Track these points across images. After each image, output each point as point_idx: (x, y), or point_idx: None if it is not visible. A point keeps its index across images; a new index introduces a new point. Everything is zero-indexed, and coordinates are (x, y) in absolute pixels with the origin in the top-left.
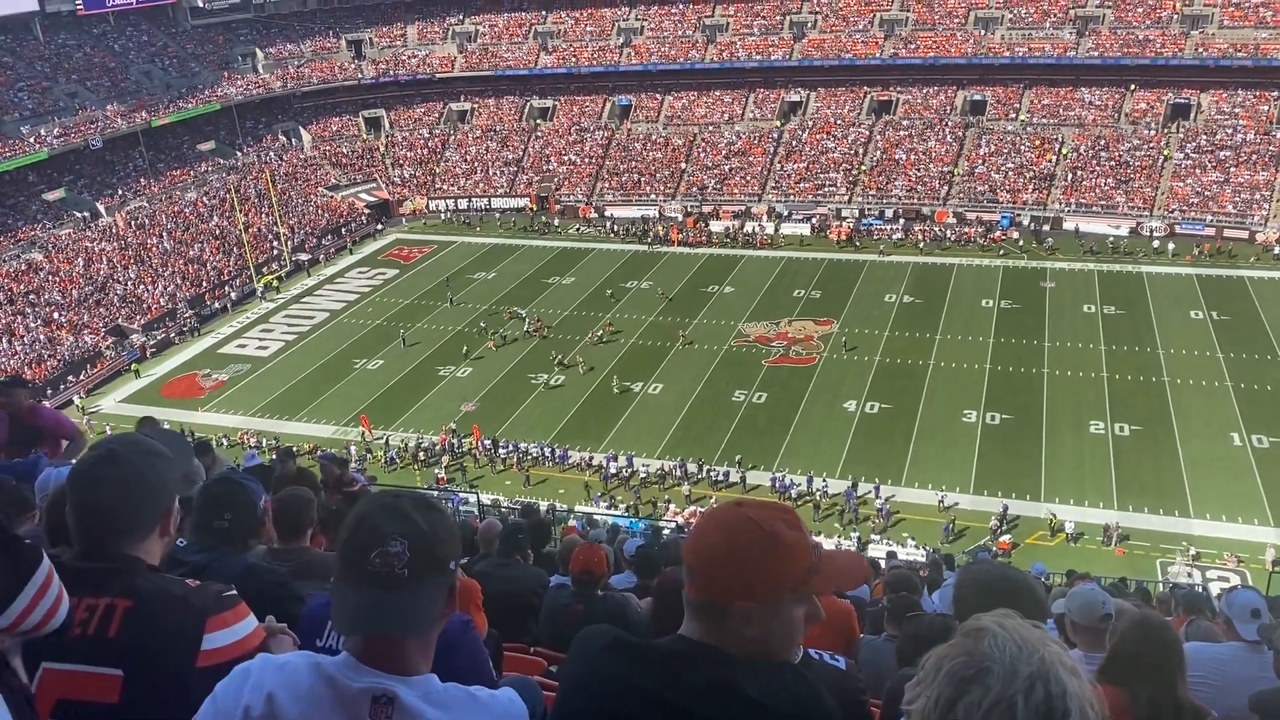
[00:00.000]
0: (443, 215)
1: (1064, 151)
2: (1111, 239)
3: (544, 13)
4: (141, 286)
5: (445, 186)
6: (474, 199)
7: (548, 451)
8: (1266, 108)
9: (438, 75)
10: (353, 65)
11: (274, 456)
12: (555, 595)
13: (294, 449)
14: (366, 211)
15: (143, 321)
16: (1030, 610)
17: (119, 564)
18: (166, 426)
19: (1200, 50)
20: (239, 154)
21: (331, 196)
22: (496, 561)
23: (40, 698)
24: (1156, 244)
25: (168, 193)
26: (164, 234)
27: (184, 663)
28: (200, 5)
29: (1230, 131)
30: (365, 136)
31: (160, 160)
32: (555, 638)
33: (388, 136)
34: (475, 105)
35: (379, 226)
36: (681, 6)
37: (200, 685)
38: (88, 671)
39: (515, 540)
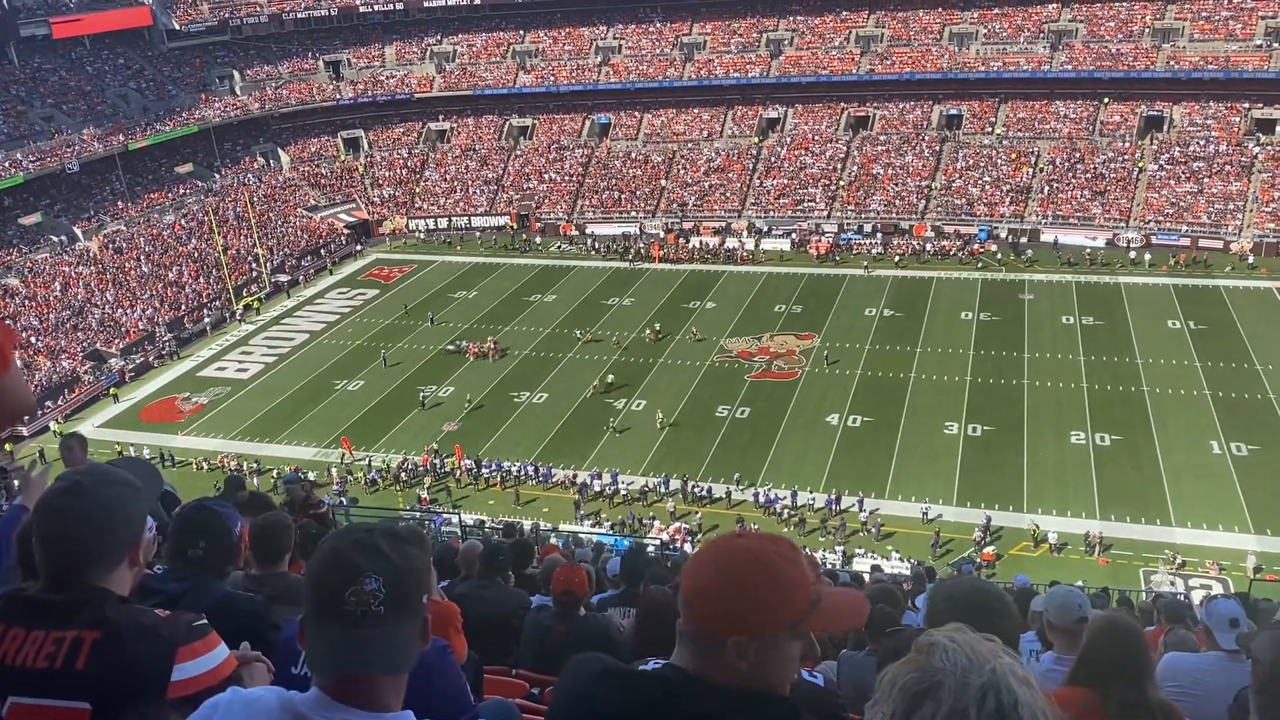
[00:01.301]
0: (422, 235)
1: (1040, 164)
2: (1089, 250)
3: (522, 32)
4: (120, 310)
5: (425, 206)
6: (454, 218)
7: (530, 470)
8: (1238, 119)
9: (416, 95)
10: (331, 86)
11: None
12: (537, 616)
13: (242, 478)
14: (346, 232)
15: (121, 345)
16: (1002, 623)
17: (86, 595)
18: (146, 452)
19: (1172, 63)
20: (217, 176)
21: (310, 217)
22: (477, 583)
23: None
24: (1133, 255)
25: (145, 216)
26: (142, 257)
27: (154, 694)
28: (176, 28)
29: (1203, 143)
30: (344, 157)
31: (138, 183)
32: (537, 659)
33: (367, 157)
34: (454, 125)
35: (359, 247)
36: (659, 25)
37: (170, 717)
38: (55, 706)
39: (496, 561)
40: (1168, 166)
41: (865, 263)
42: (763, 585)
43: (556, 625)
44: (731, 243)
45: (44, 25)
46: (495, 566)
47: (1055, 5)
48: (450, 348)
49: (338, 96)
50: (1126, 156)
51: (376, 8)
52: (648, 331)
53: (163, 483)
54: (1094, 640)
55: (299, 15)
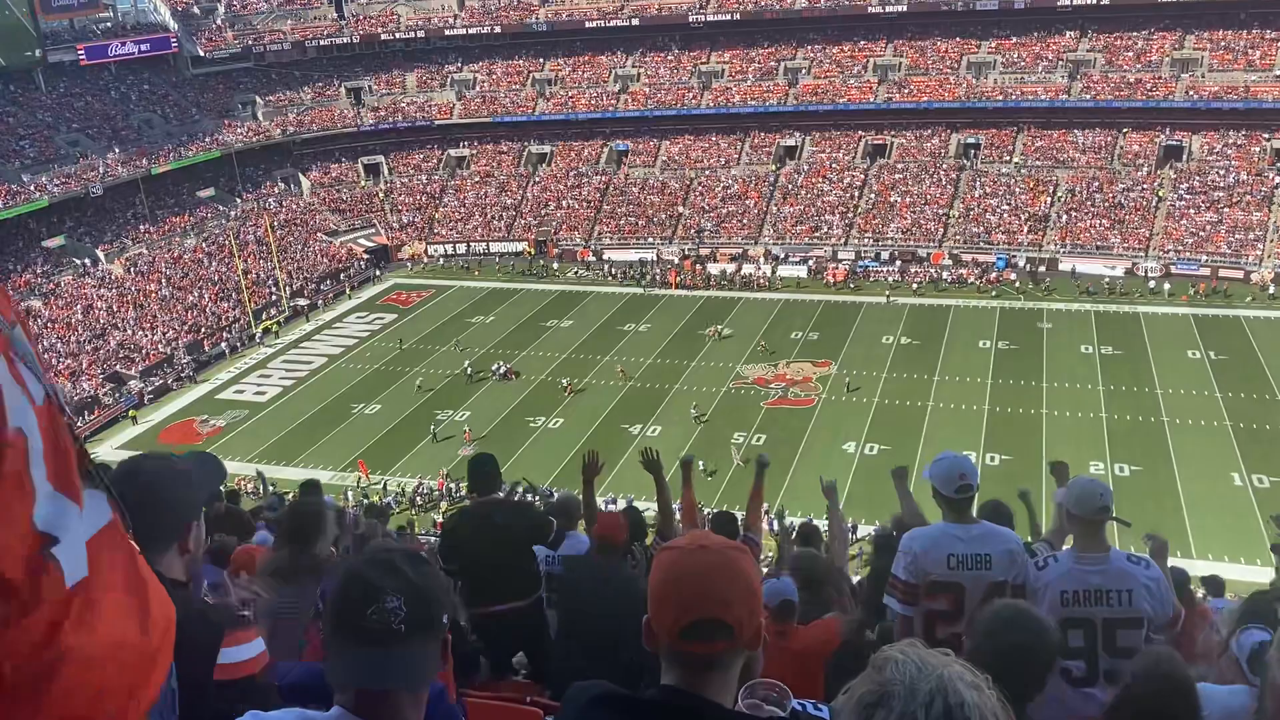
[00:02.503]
0: (441, 260)
1: (1058, 193)
2: (1107, 279)
3: (542, 60)
4: (140, 333)
5: (444, 231)
6: (472, 243)
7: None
8: (1258, 149)
9: (436, 122)
10: (352, 112)
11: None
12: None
13: (317, 481)
14: (365, 257)
15: (141, 368)
16: (1037, 639)
17: None
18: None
19: (1191, 93)
20: (238, 200)
21: (330, 242)
22: (480, 504)
23: None
24: (1152, 284)
25: (167, 239)
26: (163, 280)
27: (203, 674)
28: (201, 54)
29: (1223, 172)
30: (364, 183)
31: (160, 207)
32: (569, 613)
33: (386, 182)
34: (473, 151)
35: (378, 272)
36: (678, 54)
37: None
38: None
39: (485, 473)
40: (1187, 196)
41: (886, 291)
42: (744, 587)
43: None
44: (748, 269)
45: (71, 51)
46: (486, 481)
47: (1074, 35)
48: (473, 371)
49: (359, 123)
50: (1145, 186)
51: (399, 36)
52: (621, 369)
53: (224, 475)
54: (1141, 683)
55: (322, 43)
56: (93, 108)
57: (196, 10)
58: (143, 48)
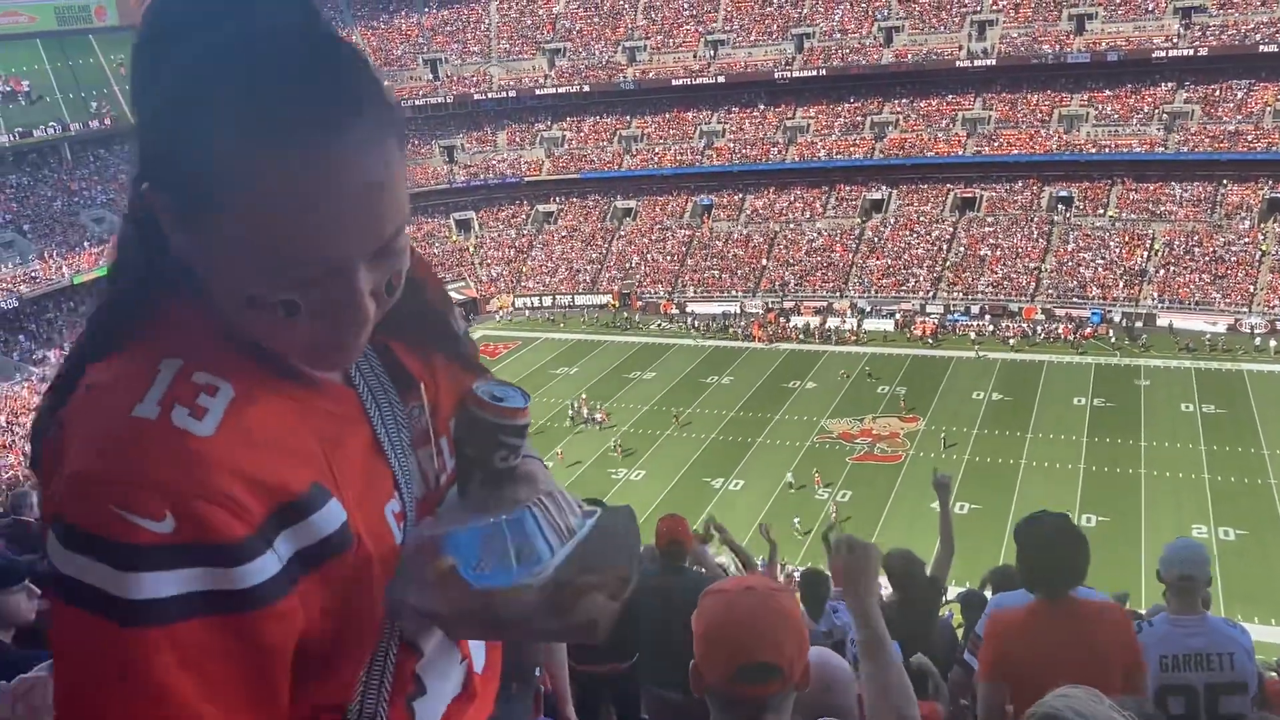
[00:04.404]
0: (527, 312)
1: (1155, 247)
2: (1208, 336)
3: (629, 118)
4: None
5: (531, 284)
6: (558, 296)
7: None
8: None
9: (526, 179)
10: (445, 169)
11: None
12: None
13: None
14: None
15: None
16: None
17: None
18: None
19: None
20: None
21: None
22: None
23: None
24: (1258, 341)
25: None
26: None
27: None
28: None
29: None
30: (455, 237)
31: None
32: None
33: (477, 237)
34: (561, 206)
35: (468, 324)
36: (763, 109)
37: None
38: None
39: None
40: None
41: (976, 345)
42: (803, 634)
43: (660, 575)
44: (833, 322)
45: None
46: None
47: (1169, 87)
48: (574, 414)
49: (451, 179)
50: (1248, 239)
51: (491, 95)
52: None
53: None
54: None
55: (417, 102)
56: None
57: None
58: None
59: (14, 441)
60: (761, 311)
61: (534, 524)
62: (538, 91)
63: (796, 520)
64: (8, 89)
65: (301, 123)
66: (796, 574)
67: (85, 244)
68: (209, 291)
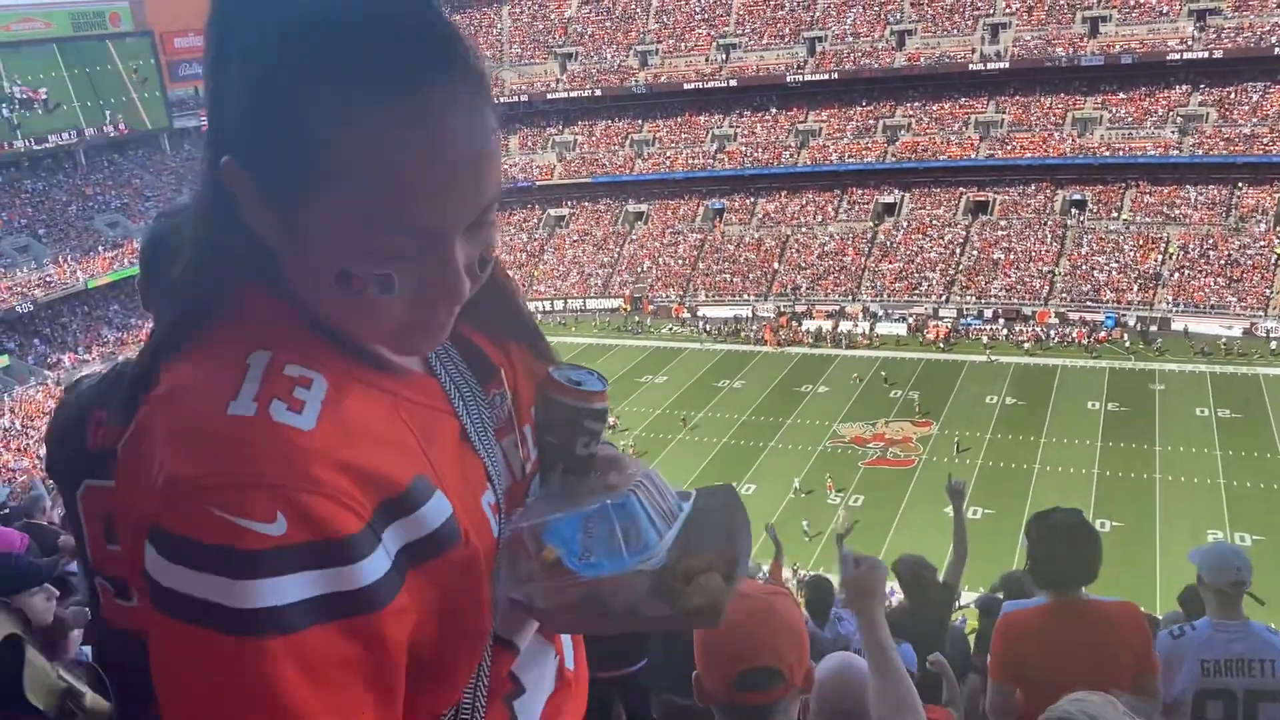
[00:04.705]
0: (539, 316)
1: (1170, 250)
2: (1224, 340)
3: (640, 122)
4: None
5: (542, 288)
6: (570, 300)
7: None
8: None
9: (537, 183)
10: None
11: None
12: None
13: None
14: None
15: None
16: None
17: None
18: None
19: None
20: None
21: None
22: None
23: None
24: (1274, 345)
25: None
26: None
27: None
28: None
29: None
30: None
31: None
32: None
33: None
34: (572, 210)
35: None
36: (775, 113)
37: None
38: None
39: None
40: None
41: (989, 349)
42: (803, 637)
43: None
44: (845, 326)
45: (195, 118)
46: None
47: (1184, 89)
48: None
49: None
50: (1263, 243)
51: (502, 100)
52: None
53: None
54: None
55: None
56: None
57: None
58: None
59: (29, 445)
60: (773, 315)
61: (639, 507)
62: (549, 95)
63: (806, 523)
64: (25, 97)
65: (412, 70)
66: (806, 577)
67: (99, 248)
68: (287, 274)
